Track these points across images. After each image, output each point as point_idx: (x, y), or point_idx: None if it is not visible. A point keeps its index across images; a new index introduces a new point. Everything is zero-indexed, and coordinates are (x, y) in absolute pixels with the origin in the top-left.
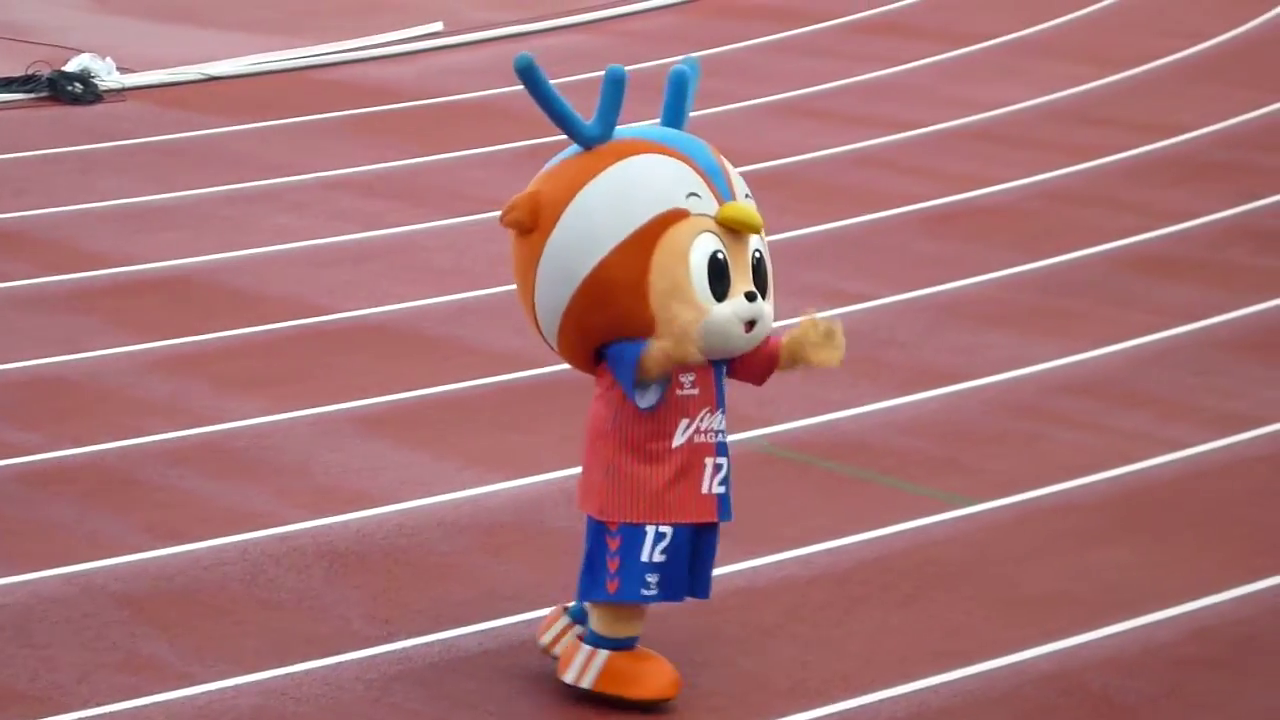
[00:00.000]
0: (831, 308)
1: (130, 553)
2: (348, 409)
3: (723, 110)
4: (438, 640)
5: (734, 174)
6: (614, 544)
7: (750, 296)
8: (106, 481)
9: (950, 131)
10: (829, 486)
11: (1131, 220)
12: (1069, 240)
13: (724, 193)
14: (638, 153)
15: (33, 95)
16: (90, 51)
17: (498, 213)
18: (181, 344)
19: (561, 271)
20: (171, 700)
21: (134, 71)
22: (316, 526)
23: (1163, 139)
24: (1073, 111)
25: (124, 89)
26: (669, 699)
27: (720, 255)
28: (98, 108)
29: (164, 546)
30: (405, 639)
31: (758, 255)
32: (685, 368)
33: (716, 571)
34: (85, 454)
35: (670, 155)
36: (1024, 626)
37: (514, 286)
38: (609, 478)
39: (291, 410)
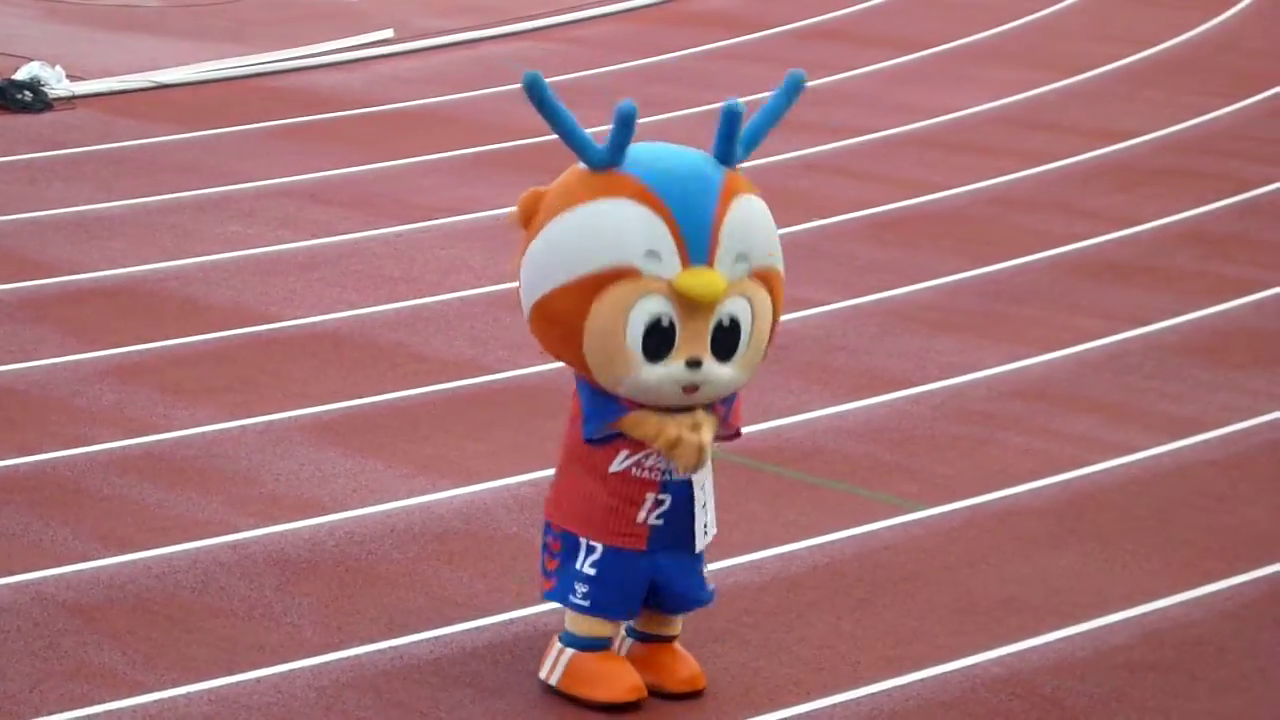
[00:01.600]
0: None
1: (80, 561)
2: (297, 417)
3: (670, 117)
4: (389, 648)
5: (735, 235)
6: (555, 545)
7: (693, 364)
8: (55, 490)
9: (897, 137)
10: (779, 492)
11: (1079, 225)
12: (1017, 246)
13: (697, 255)
14: (619, 194)
15: None
16: (39, 59)
17: (447, 219)
18: (130, 352)
19: (529, 280)
20: (123, 708)
21: (83, 79)
22: (267, 534)
23: (1109, 144)
24: (1020, 117)
25: (73, 97)
26: (627, 704)
27: (665, 320)
28: (47, 116)
29: (114, 555)
30: (356, 646)
31: (729, 321)
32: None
33: None
34: (34, 463)
35: (650, 205)
36: (975, 631)
37: (463, 294)
38: (562, 482)
39: (241, 418)
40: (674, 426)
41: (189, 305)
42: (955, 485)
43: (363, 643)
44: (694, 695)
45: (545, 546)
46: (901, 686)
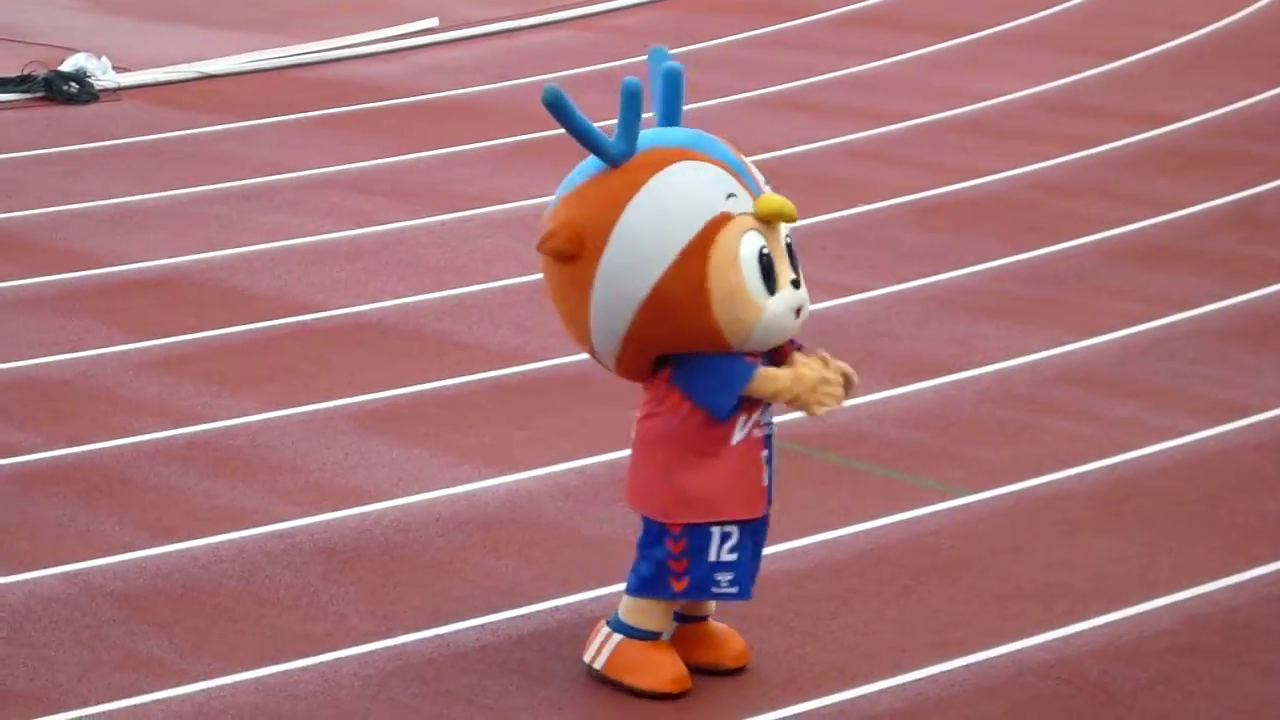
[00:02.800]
0: (825, 300)
1: (127, 551)
2: (342, 406)
3: (711, 104)
4: (435, 636)
5: (750, 164)
6: (678, 546)
7: (795, 284)
8: (102, 481)
9: (940, 123)
10: (823, 478)
11: (1122, 210)
12: (1060, 230)
13: (753, 186)
14: (669, 163)
15: (28, 95)
16: (86, 51)
17: (489, 208)
18: (174, 343)
19: (618, 295)
20: (170, 698)
21: (129, 71)
22: (313, 524)
23: (1153, 129)
24: (1063, 102)
25: (119, 88)
26: (670, 695)
27: (765, 251)
28: (93, 107)
29: (160, 545)
30: (402, 635)
31: (788, 241)
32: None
33: None
34: (80, 454)
35: (699, 159)
36: (1020, 616)
37: (505, 283)
38: (669, 481)
39: (286, 408)
40: (809, 369)
41: (233, 295)
42: (999, 471)
43: (408, 631)
44: (742, 670)
45: (664, 550)
46: (946, 672)
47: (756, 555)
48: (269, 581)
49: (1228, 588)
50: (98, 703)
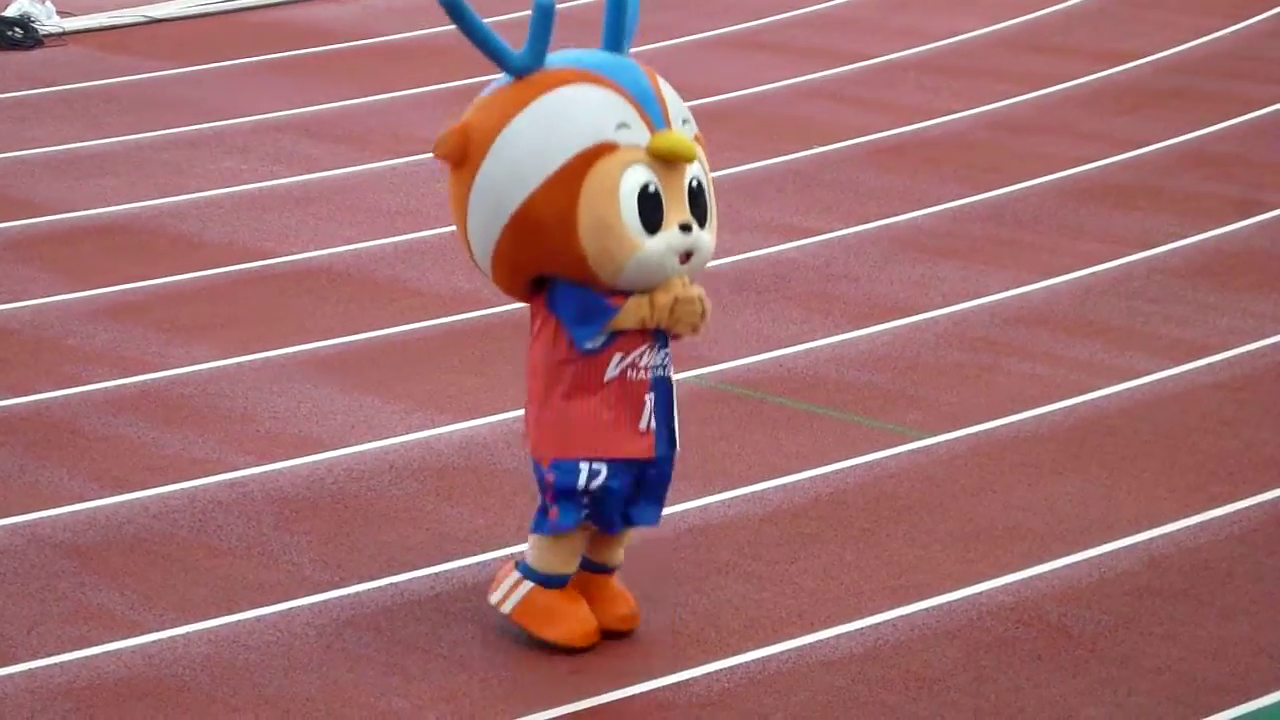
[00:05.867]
0: (781, 242)
1: (76, 502)
2: (294, 353)
3: (670, 44)
4: (389, 585)
5: (671, 98)
6: (550, 478)
7: (685, 228)
8: (50, 431)
9: (898, 63)
10: (781, 423)
11: (1082, 149)
12: (1019, 170)
13: (657, 120)
14: (566, 83)
15: None
16: None
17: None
18: (124, 290)
19: (490, 206)
20: (122, 649)
21: (74, 15)
22: (265, 472)
23: (1112, 66)
24: (1021, 40)
25: (64, 33)
26: (578, 648)
27: (651, 187)
28: (37, 53)
29: (110, 495)
30: (356, 584)
31: (695, 184)
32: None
33: (669, 510)
34: (27, 404)
35: (600, 84)
36: (980, 559)
37: (457, 228)
38: (544, 414)
39: (237, 356)
40: (664, 292)
41: (183, 242)
42: (959, 413)
43: (363, 580)
44: (626, 634)
45: (541, 483)
46: (906, 616)
47: (650, 494)
48: (221, 531)
49: (1188, 528)
50: (48, 655)
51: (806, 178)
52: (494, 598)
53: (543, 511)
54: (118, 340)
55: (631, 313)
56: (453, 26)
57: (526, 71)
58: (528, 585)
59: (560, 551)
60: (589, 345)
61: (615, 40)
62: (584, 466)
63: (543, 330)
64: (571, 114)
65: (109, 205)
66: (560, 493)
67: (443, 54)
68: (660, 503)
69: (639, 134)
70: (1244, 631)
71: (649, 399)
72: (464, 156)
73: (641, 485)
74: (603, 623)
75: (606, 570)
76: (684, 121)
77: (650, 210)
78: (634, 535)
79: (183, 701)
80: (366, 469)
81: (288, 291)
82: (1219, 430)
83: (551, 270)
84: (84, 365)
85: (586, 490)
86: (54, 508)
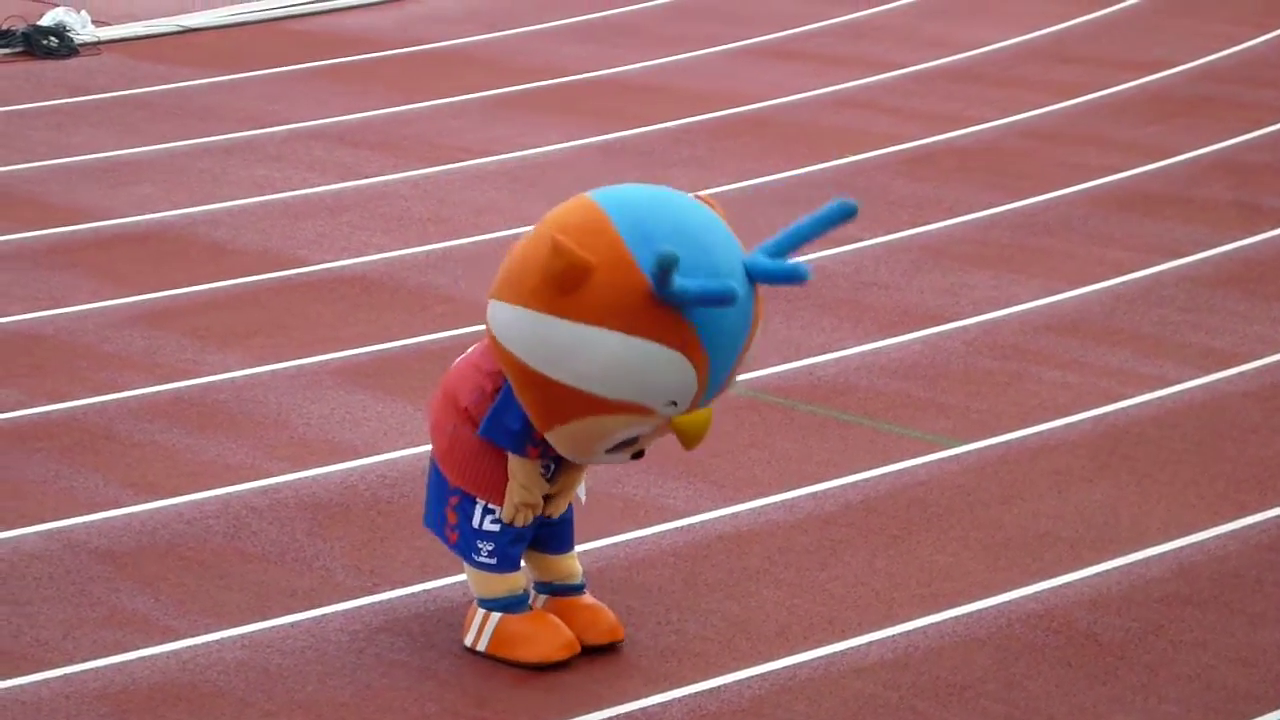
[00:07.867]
0: (814, 252)
1: (111, 508)
2: (327, 361)
3: (703, 54)
4: (421, 591)
5: (744, 365)
6: (453, 500)
7: (637, 455)
8: (85, 437)
9: (929, 72)
10: (812, 430)
11: (1111, 158)
12: (1049, 179)
13: (708, 400)
14: (669, 344)
15: (7, 50)
16: (65, 5)
17: (475, 160)
18: (159, 297)
19: (537, 340)
20: (155, 655)
21: (109, 24)
22: (298, 479)
23: (1141, 76)
24: (1051, 50)
25: (99, 42)
26: (558, 662)
27: (638, 436)
28: (73, 62)
29: (145, 501)
30: (389, 590)
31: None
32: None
33: (700, 517)
34: (63, 410)
35: (694, 360)
36: (1009, 567)
37: (492, 235)
38: (453, 441)
39: (271, 363)
40: (519, 496)
41: (217, 250)
42: (989, 421)
43: (395, 586)
44: (613, 646)
45: (443, 495)
46: (936, 623)
47: (560, 539)
48: (255, 537)
49: (1218, 536)
50: (83, 660)
51: (838, 186)
52: (468, 640)
53: (438, 516)
54: (152, 347)
55: (514, 475)
56: (492, 35)
57: (663, 300)
58: (495, 617)
59: (492, 576)
60: (485, 438)
61: (781, 247)
62: (479, 503)
63: (480, 371)
64: (644, 371)
65: (144, 213)
66: (461, 516)
67: (477, 63)
68: (571, 531)
69: (680, 410)
70: (1274, 639)
71: (543, 466)
72: (572, 289)
73: (546, 524)
74: (587, 640)
75: (573, 589)
76: (737, 381)
77: (624, 444)
78: (665, 544)
79: (217, 706)
80: (399, 475)
81: (321, 299)
82: (1249, 438)
83: (517, 391)
84: (119, 371)
85: (481, 525)
86: (89, 513)
